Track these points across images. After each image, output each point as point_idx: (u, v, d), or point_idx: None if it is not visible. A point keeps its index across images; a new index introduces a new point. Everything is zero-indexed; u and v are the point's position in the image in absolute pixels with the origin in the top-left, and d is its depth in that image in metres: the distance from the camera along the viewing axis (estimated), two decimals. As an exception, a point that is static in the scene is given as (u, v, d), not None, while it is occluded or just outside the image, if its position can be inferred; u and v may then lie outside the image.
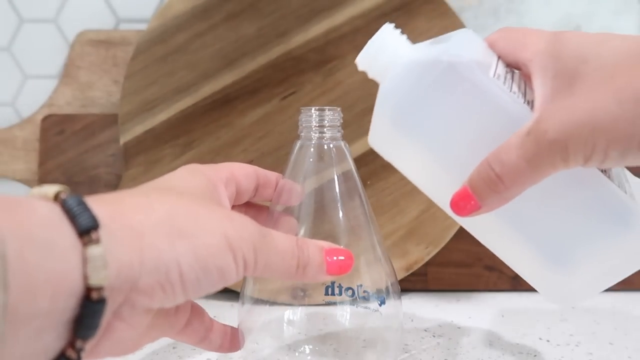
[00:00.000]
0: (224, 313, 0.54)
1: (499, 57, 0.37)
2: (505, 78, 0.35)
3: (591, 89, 0.30)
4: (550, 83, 0.32)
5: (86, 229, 0.25)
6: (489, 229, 0.37)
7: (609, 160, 0.31)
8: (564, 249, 0.36)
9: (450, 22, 0.60)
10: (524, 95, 0.35)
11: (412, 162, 0.38)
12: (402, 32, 0.38)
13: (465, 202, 0.34)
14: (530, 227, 0.36)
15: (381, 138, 0.37)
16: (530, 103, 0.34)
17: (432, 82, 0.34)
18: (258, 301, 0.41)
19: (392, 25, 0.37)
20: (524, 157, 0.32)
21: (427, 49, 0.36)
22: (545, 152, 0.31)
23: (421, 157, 0.36)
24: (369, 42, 0.37)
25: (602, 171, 0.34)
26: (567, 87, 0.32)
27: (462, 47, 0.35)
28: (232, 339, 0.39)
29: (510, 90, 0.34)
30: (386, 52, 0.37)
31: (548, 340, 0.51)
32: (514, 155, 0.32)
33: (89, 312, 0.25)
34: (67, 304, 0.25)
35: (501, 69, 0.36)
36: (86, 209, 0.26)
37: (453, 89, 0.34)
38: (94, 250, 0.25)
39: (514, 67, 0.37)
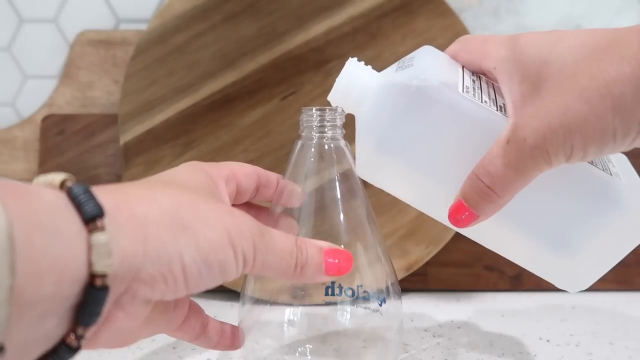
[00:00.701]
0: (224, 313, 0.54)
1: (464, 67, 0.38)
2: (474, 89, 0.36)
3: (558, 91, 0.31)
4: (518, 88, 0.34)
5: (92, 216, 0.26)
6: (489, 232, 0.38)
7: (588, 156, 0.32)
8: (564, 236, 0.37)
9: (450, 22, 0.60)
10: (495, 101, 0.36)
11: (403, 185, 0.39)
12: (366, 63, 0.39)
13: (462, 214, 0.35)
14: (527, 221, 0.37)
15: (368, 167, 0.39)
16: (503, 108, 0.35)
17: (406, 109, 0.35)
18: (258, 301, 0.41)
19: (355, 59, 0.39)
20: (509, 166, 0.33)
21: (395, 75, 0.37)
22: (529, 158, 0.32)
23: (410, 179, 0.38)
24: (337, 79, 0.38)
25: None
26: (534, 91, 0.33)
27: (427, 68, 0.36)
28: (232, 336, 0.39)
29: (482, 101, 0.35)
30: (356, 86, 0.38)
31: (548, 340, 0.51)
32: (500, 165, 0.33)
33: (92, 299, 0.26)
34: (71, 290, 0.25)
35: (468, 80, 0.37)
36: (92, 197, 0.26)
37: (426, 112, 0.35)
38: (99, 238, 0.25)
39: (479, 74, 0.38)
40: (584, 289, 0.39)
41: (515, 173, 0.33)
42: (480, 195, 0.34)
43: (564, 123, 0.31)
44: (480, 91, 0.36)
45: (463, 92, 0.35)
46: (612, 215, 0.35)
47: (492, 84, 0.38)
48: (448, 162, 0.36)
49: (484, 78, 0.38)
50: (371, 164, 0.38)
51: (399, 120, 0.36)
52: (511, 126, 0.33)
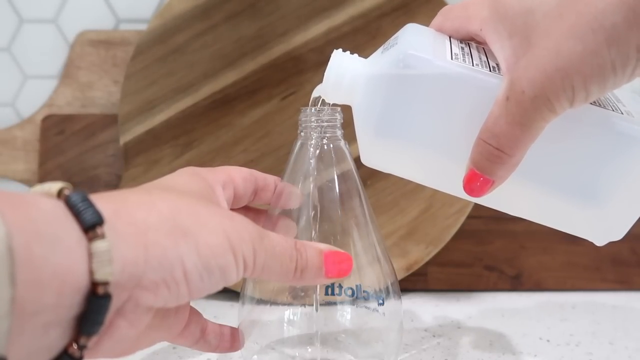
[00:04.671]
0: (224, 313, 0.55)
1: (451, 37, 0.37)
2: (463, 55, 0.35)
3: (547, 36, 0.31)
4: (508, 44, 0.33)
5: (91, 224, 0.25)
6: (510, 197, 0.37)
7: (592, 95, 0.31)
8: (589, 185, 0.36)
9: (450, 22, 0.60)
10: (487, 63, 0.35)
11: (412, 165, 0.38)
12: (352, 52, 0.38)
13: (476, 182, 0.34)
14: (548, 178, 0.36)
15: (373, 154, 0.38)
16: (496, 68, 0.35)
17: (398, 90, 0.35)
18: (258, 301, 0.41)
19: (340, 50, 0.38)
20: (513, 123, 0.32)
21: (381, 59, 0.36)
22: (531, 110, 0.31)
23: (418, 158, 0.37)
24: (326, 73, 0.38)
25: (591, 102, 0.34)
26: (525, 42, 0.32)
27: (412, 44, 0.35)
28: (231, 339, 0.39)
29: (473, 65, 0.35)
30: (345, 77, 0.37)
31: (548, 340, 0.51)
32: (504, 124, 0.32)
33: (94, 307, 0.25)
34: (73, 299, 0.25)
35: (456, 48, 0.36)
36: (90, 204, 0.26)
37: (419, 88, 0.34)
38: (99, 246, 0.25)
39: (468, 41, 0.37)
40: (621, 237, 0.37)
41: (521, 128, 0.32)
42: (490, 159, 0.33)
43: (560, 66, 0.30)
44: (470, 56, 0.35)
45: (452, 59, 0.34)
46: (631, 152, 0.34)
47: (482, 47, 0.37)
48: (452, 133, 0.35)
49: (473, 44, 0.37)
50: (376, 151, 0.37)
51: (394, 103, 0.35)
52: (507, 82, 0.32)
